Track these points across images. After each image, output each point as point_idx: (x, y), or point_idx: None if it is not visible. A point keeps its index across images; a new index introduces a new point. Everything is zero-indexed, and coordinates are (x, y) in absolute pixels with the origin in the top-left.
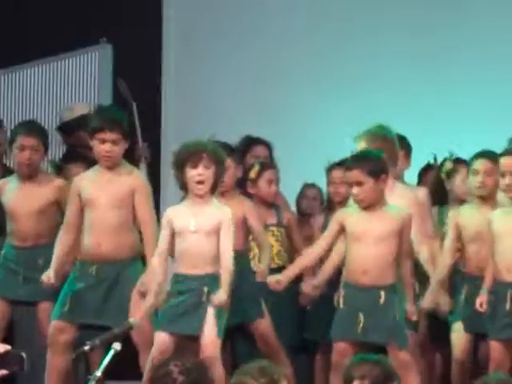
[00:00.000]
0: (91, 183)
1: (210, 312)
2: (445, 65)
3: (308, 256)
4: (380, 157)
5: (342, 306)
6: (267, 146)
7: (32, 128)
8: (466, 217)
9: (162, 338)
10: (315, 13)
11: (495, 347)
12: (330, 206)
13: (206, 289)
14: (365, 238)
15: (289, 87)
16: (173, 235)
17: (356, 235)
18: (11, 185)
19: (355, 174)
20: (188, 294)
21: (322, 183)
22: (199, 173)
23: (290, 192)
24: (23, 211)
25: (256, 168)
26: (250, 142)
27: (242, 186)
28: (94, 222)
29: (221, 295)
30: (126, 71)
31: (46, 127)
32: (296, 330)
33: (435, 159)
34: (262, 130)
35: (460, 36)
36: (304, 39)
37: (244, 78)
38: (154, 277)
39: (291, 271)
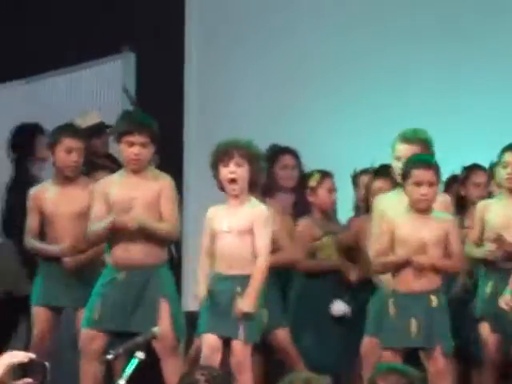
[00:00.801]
0: (118, 187)
1: (242, 322)
2: (467, 77)
3: None
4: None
5: (392, 313)
6: (294, 154)
7: (78, 130)
8: (493, 210)
9: (210, 340)
10: (342, 20)
11: None
12: (366, 208)
13: (239, 289)
14: (412, 243)
15: (310, 93)
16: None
17: (404, 240)
18: (50, 191)
19: (431, 175)
20: (223, 294)
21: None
22: (231, 171)
23: None
24: (66, 214)
25: (316, 176)
26: (278, 151)
27: (266, 193)
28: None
29: (245, 304)
30: (148, 80)
31: None
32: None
33: (463, 170)
34: (282, 135)
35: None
36: (330, 44)
37: (266, 84)
38: (202, 270)
39: None
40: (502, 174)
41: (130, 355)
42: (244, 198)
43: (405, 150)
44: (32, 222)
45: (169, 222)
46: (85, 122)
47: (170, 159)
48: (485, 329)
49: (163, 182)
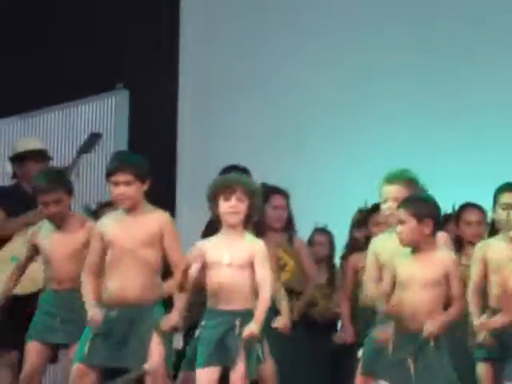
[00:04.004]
0: (115, 225)
1: (243, 347)
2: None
3: None
4: (427, 200)
5: (391, 353)
6: (285, 195)
7: (50, 183)
8: (494, 250)
9: (206, 376)
10: (332, 51)
11: None
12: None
13: (238, 322)
14: (411, 284)
15: (302, 129)
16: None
17: (403, 281)
18: (44, 230)
19: (399, 213)
20: (219, 327)
21: (337, 226)
22: (231, 205)
23: (305, 236)
24: (59, 255)
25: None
26: (269, 191)
27: (258, 231)
28: (117, 265)
29: (252, 327)
30: (142, 116)
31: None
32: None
33: (454, 209)
34: (274, 172)
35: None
36: (322, 76)
37: (262, 120)
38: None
39: None
40: (502, 215)
41: None
42: (240, 231)
43: (389, 191)
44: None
45: (178, 266)
46: (24, 146)
47: (162, 196)
48: (483, 369)
49: (162, 219)
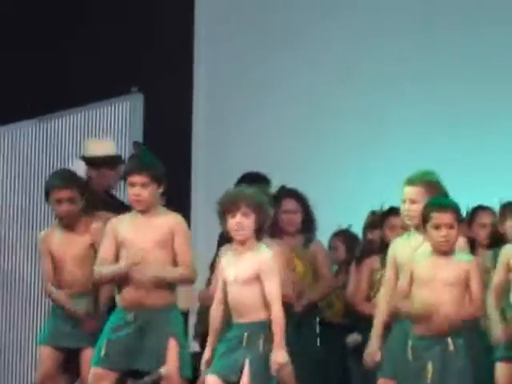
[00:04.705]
0: (128, 226)
1: (247, 362)
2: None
3: None
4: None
5: (410, 357)
6: (298, 198)
7: (66, 179)
8: None
9: (212, 382)
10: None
11: None
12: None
13: (246, 334)
14: (432, 285)
15: (319, 132)
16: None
17: (423, 281)
18: (56, 234)
19: (449, 217)
20: (233, 340)
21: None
22: (237, 221)
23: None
24: (69, 259)
25: None
26: (281, 195)
27: (273, 235)
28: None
29: (277, 357)
30: (156, 120)
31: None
32: None
33: (467, 212)
34: (291, 175)
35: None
36: (341, 81)
37: (277, 125)
38: (212, 325)
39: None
40: None
41: None
42: (250, 246)
43: (409, 192)
44: (47, 266)
45: (184, 264)
46: (94, 150)
47: (177, 200)
48: (501, 371)
49: (174, 221)
